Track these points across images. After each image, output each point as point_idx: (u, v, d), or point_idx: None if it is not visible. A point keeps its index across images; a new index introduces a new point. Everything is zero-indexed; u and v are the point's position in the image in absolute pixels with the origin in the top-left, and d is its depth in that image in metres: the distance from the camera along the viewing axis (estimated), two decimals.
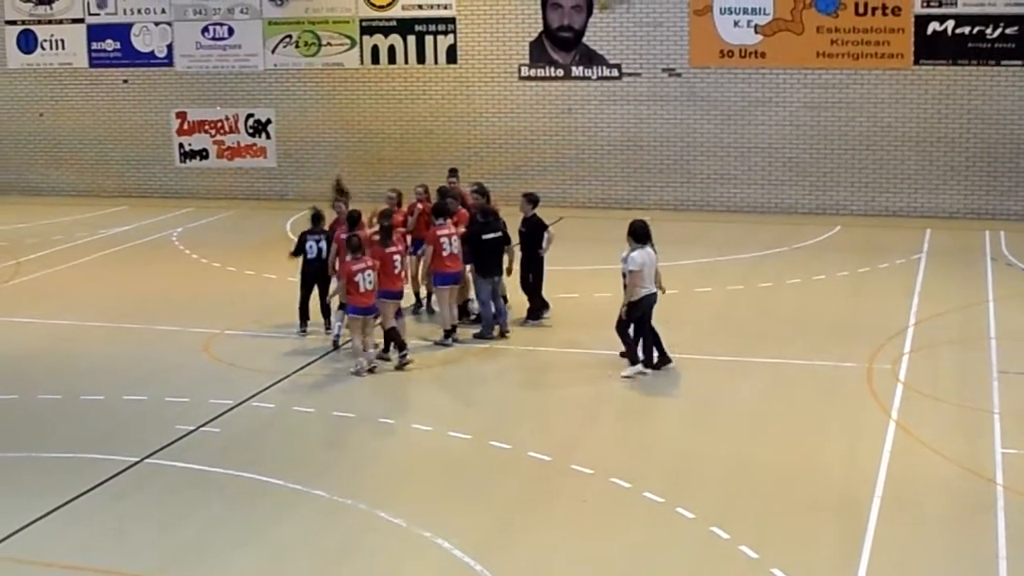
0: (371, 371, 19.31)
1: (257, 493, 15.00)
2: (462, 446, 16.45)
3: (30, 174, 37.19)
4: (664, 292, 19.41)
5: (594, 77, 32.77)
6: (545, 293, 21.99)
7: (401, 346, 19.66)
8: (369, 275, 19.20)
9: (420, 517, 14.08)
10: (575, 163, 33.15)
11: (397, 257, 19.84)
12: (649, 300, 18.92)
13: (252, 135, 35.50)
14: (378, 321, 19.77)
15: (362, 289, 19.15)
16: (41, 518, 14.24)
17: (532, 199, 22.01)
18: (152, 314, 23.14)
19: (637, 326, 19.02)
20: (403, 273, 20.26)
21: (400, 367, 19.48)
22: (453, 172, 24.14)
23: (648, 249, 18.91)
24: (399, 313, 20.39)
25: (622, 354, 19.32)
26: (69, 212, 33.81)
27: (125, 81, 36.20)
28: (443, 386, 19.21)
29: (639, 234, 18.88)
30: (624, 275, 18.93)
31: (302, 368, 19.70)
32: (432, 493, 15.08)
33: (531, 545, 13.57)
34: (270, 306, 23.05)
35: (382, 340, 19.96)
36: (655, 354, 19.14)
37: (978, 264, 26.02)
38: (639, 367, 18.93)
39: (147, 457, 16.03)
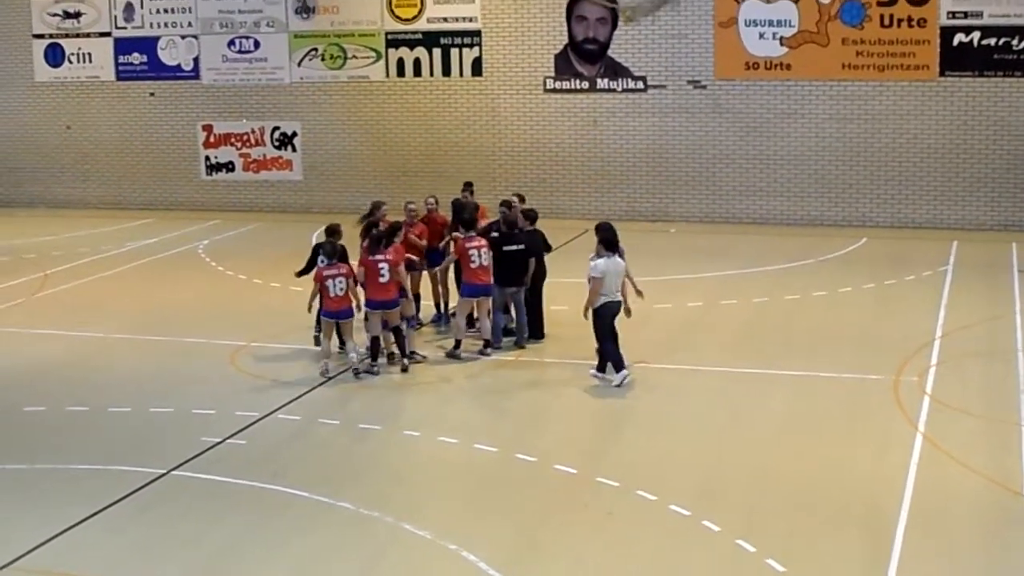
0: (356, 374, 19.80)
1: (283, 505, 15.01)
2: (488, 458, 16.45)
3: (57, 187, 37.36)
4: (642, 297, 19.77)
5: (619, 89, 32.78)
6: (568, 308, 21.82)
7: (374, 355, 19.99)
8: (340, 281, 19.77)
9: (446, 530, 14.08)
10: (600, 175, 33.15)
11: (384, 266, 19.87)
12: (611, 308, 19.20)
13: (278, 148, 35.60)
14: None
15: (331, 294, 19.76)
16: (67, 530, 14.28)
17: (530, 215, 21.89)
18: (178, 326, 23.21)
19: (609, 332, 19.27)
20: (397, 283, 20.16)
21: (357, 373, 19.80)
22: (468, 185, 24.10)
23: (616, 258, 19.24)
24: (410, 322, 20.57)
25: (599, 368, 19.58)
26: (95, 225, 33.95)
27: (152, 94, 36.35)
28: (468, 398, 19.23)
29: (609, 243, 19.22)
30: (589, 281, 19.22)
31: (328, 380, 19.71)
32: (458, 506, 15.09)
33: (557, 558, 13.56)
34: (296, 318, 23.03)
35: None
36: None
37: (1005, 276, 25.92)
38: (625, 371, 19.12)
39: (173, 469, 16.06)
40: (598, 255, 19.25)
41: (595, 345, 19.52)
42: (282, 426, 17.82)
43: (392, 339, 20.36)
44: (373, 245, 20.03)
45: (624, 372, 19.11)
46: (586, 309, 19.25)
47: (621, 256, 19.46)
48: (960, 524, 14.21)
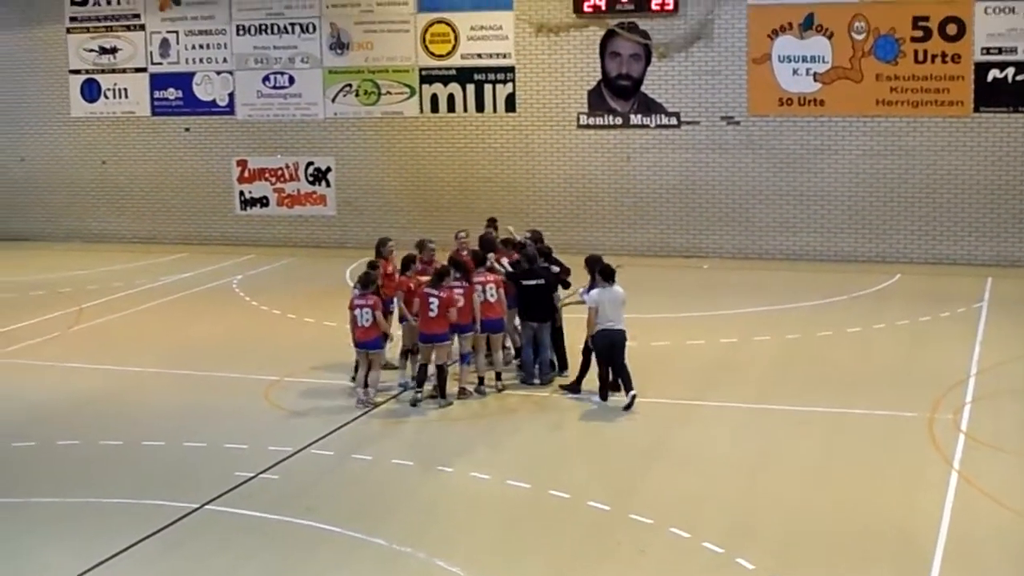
0: (414, 403, 20.21)
1: (316, 541, 15.01)
2: (520, 494, 16.41)
3: (92, 221, 37.58)
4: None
5: (652, 125, 32.80)
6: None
7: (419, 383, 20.43)
8: (367, 312, 20.03)
9: (479, 566, 14.06)
10: (633, 211, 33.15)
11: (434, 301, 20.08)
12: (608, 336, 19.90)
13: (312, 183, 35.73)
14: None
15: (359, 324, 20.10)
16: (99, 564, 14.31)
17: (544, 251, 22.00)
18: (212, 361, 23.28)
19: (606, 360, 20.05)
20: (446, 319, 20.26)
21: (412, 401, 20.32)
22: (491, 222, 24.12)
23: (614, 288, 20.11)
24: (464, 358, 20.68)
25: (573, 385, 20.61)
26: (130, 259, 34.11)
27: (187, 129, 36.56)
28: (501, 434, 19.18)
29: (606, 273, 20.12)
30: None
31: (361, 415, 19.74)
32: (491, 542, 15.05)
33: None
34: (330, 354, 23.11)
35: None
36: (622, 389, 20.09)
37: None
38: (578, 393, 20.30)
39: (206, 504, 16.09)
40: (593, 285, 20.18)
41: (598, 372, 20.33)
42: (315, 461, 17.83)
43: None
44: (436, 279, 20.32)
45: (633, 392, 19.86)
46: (589, 338, 20.15)
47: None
48: (995, 561, 14.13)
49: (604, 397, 20.04)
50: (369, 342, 20.15)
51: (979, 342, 23.44)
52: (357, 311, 20.09)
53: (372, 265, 21.09)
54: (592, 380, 20.32)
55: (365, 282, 20.37)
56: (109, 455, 18.27)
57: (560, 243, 30.17)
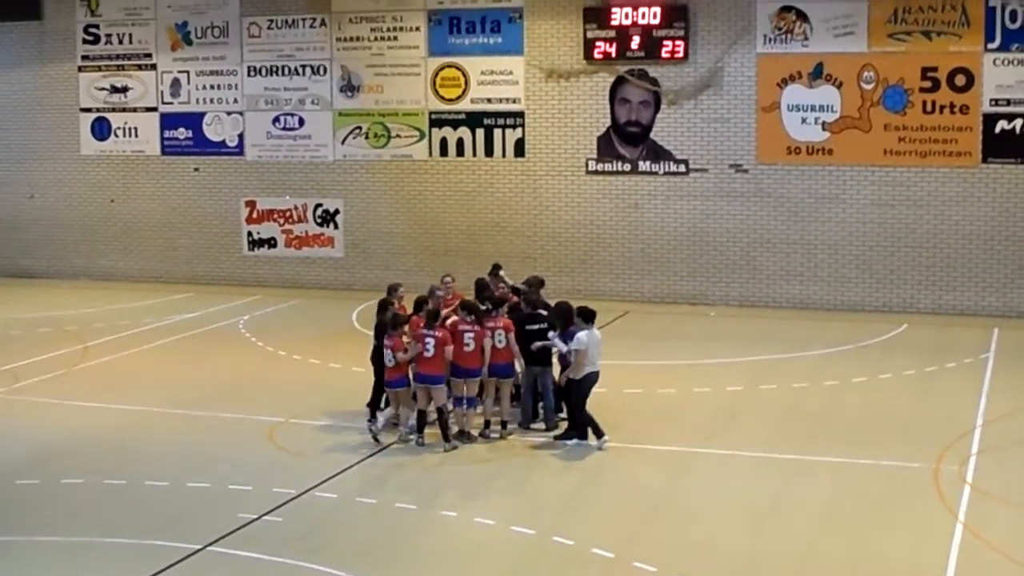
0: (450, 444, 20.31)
1: None
2: (525, 541, 16.36)
3: (100, 259, 37.65)
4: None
5: (661, 172, 32.86)
6: (607, 390, 21.76)
7: (419, 428, 20.42)
8: (389, 353, 20.33)
9: None
10: (641, 258, 33.17)
11: (430, 341, 20.20)
12: (592, 378, 20.17)
13: (320, 225, 35.80)
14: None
15: (386, 363, 20.49)
16: None
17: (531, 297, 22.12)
18: (217, 401, 23.28)
19: (581, 402, 20.26)
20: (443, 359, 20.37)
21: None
22: (495, 268, 24.10)
23: (595, 331, 20.30)
24: (469, 402, 20.72)
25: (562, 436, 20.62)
26: (137, 298, 34.16)
27: (196, 169, 36.68)
28: (504, 479, 19.13)
29: (586, 315, 20.31)
30: (570, 352, 20.22)
31: (365, 458, 19.71)
32: None
33: None
34: (335, 396, 23.11)
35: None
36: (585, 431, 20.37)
37: None
38: (606, 437, 20.12)
39: (209, 545, 16.04)
40: (564, 332, 20.35)
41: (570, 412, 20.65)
42: (319, 504, 17.79)
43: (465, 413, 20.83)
44: (430, 319, 20.46)
45: (605, 437, 20.05)
46: (564, 378, 20.44)
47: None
48: None
49: (594, 435, 20.15)
50: (392, 381, 20.46)
51: (985, 393, 23.40)
52: (386, 351, 20.37)
53: (386, 305, 21.17)
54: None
55: (394, 323, 20.56)
56: (112, 494, 18.24)
57: (567, 289, 30.36)
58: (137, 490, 18.36)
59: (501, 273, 23.65)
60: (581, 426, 20.28)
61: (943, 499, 17.63)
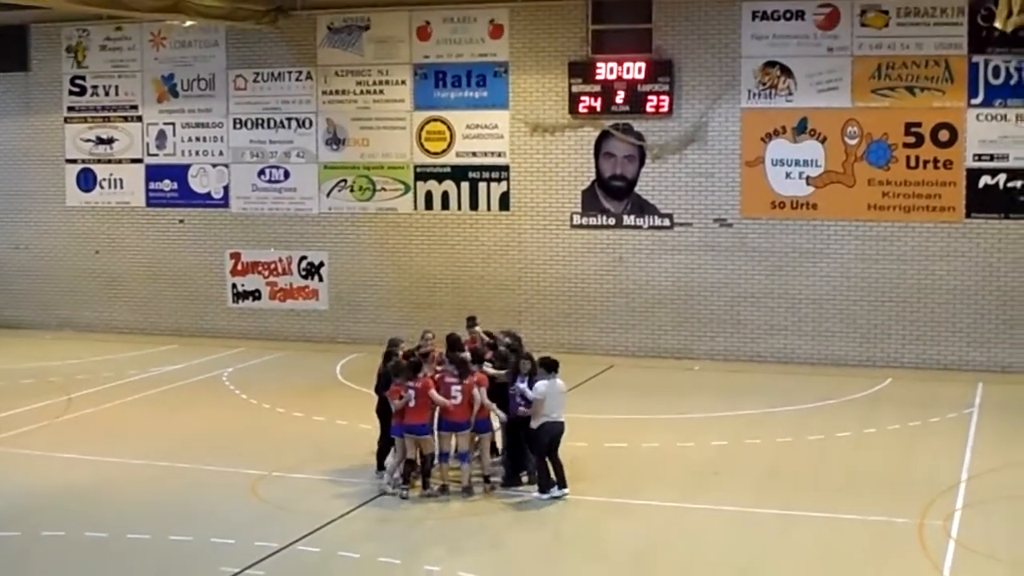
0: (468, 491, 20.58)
1: None
2: None
3: (84, 310, 37.57)
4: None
5: (645, 226, 32.92)
6: (588, 444, 21.75)
7: (404, 479, 20.53)
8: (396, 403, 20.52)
9: None
10: (625, 311, 33.17)
11: (411, 391, 20.35)
12: (550, 428, 20.13)
13: (305, 277, 35.78)
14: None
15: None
16: None
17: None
18: (200, 454, 23.19)
19: (545, 453, 20.25)
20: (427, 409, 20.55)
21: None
22: (471, 320, 24.07)
23: (556, 381, 20.30)
24: (461, 457, 20.76)
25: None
26: (121, 349, 34.07)
27: (181, 221, 36.67)
28: (490, 534, 19.06)
29: (549, 366, 20.32)
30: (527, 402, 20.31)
31: (349, 512, 19.64)
32: None
33: None
34: (319, 448, 23.05)
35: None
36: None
37: None
38: (555, 490, 20.23)
39: None
40: (525, 380, 20.35)
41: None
42: (301, 558, 17.71)
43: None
44: (409, 370, 20.54)
45: (566, 490, 20.20)
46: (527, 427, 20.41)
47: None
48: None
49: (544, 490, 20.22)
50: (396, 428, 20.67)
51: (970, 448, 23.40)
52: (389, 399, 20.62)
53: (390, 356, 21.40)
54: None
55: (395, 372, 20.69)
56: (94, 547, 18.13)
57: (552, 342, 30.36)
58: (119, 543, 18.26)
59: (476, 328, 23.61)
60: (542, 475, 20.31)
61: (928, 554, 17.61)
